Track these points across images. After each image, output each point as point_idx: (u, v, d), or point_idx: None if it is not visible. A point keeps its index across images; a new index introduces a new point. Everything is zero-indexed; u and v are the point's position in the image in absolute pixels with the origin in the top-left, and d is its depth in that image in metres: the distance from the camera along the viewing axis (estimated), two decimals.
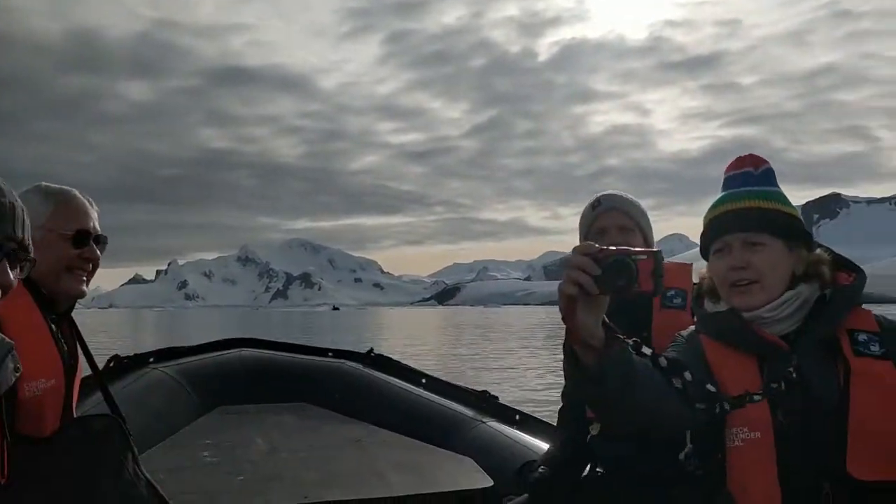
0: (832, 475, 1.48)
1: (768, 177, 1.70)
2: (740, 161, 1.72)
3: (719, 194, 1.72)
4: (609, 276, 1.32)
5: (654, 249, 1.33)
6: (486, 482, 2.86)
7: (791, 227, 1.65)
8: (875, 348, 1.54)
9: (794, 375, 1.53)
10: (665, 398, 1.50)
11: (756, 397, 1.52)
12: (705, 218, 1.72)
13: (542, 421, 3.53)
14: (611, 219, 2.29)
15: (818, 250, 1.68)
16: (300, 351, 4.09)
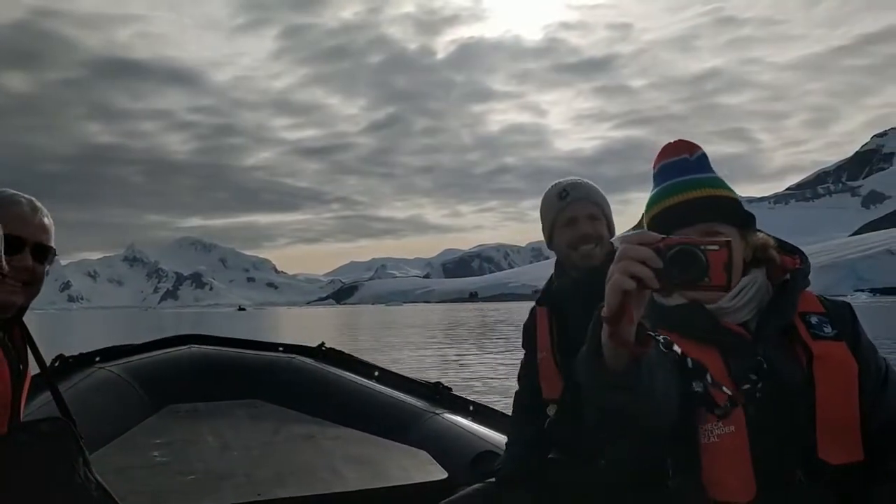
0: (804, 461, 1.47)
1: (705, 162, 1.65)
2: (674, 148, 1.66)
3: (657, 184, 1.64)
4: (674, 269, 1.16)
5: (727, 239, 1.18)
6: (441, 474, 2.87)
7: (741, 213, 1.61)
8: (828, 330, 1.55)
9: (765, 365, 1.51)
10: (672, 399, 1.43)
11: (745, 387, 1.48)
12: (651, 210, 1.63)
13: (496, 411, 3.53)
14: (580, 207, 2.28)
15: (759, 234, 1.65)
16: (250, 346, 4.00)
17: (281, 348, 3.99)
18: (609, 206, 2.36)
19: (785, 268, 1.61)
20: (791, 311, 1.55)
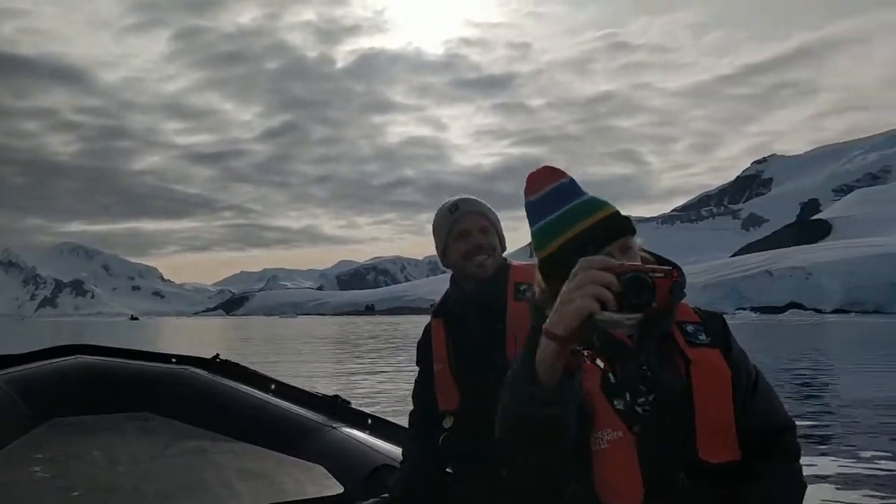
0: (686, 463, 1.53)
1: (577, 185, 1.68)
2: (547, 175, 1.67)
3: (544, 213, 1.64)
4: (630, 294, 1.28)
5: (669, 268, 1.31)
6: (337, 489, 2.83)
7: (632, 224, 1.64)
8: (703, 337, 1.62)
9: (649, 373, 1.56)
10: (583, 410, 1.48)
11: (639, 401, 1.53)
12: (555, 238, 1.61)
13: (395, 424, 3.48)
14: (472, 220, 2.37)
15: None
16: (141, 357, 3.86)
17: (174, 360, 3.85)
18: (498, 220, 2.44)
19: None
20: (669, 320, 1.60)
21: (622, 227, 1.61)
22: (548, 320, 1.31)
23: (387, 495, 2.47)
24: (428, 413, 2.43)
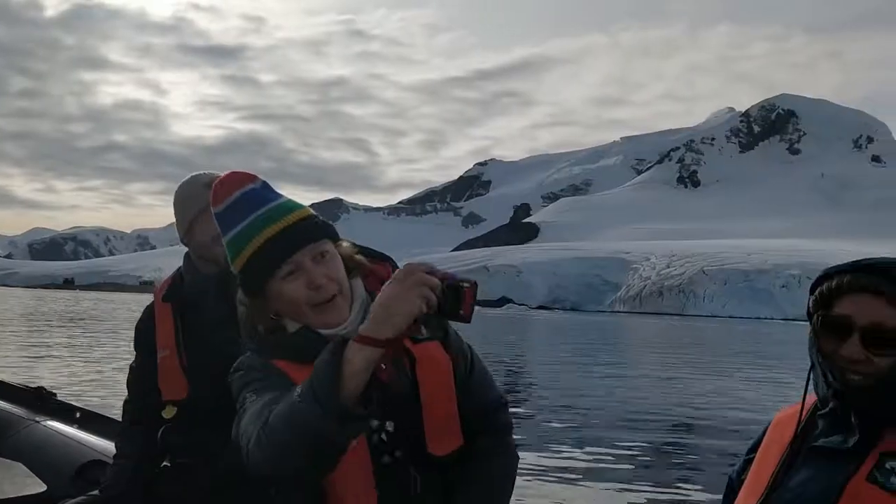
0: (417, 458, 1.57)
1: (269, 187, 1.59)
2: (237, 180, 1.56)
3: (237, 218, 1.53)
4: (445, 300, 1.31)
5: (474, 280, 1.35)
6: (39, 487, 2.64)
7: (330, 227, 1.59)
8: (423, 332, 1.61)
9: (374, 376, 1.50)
10: None
11: (369, 422, 1.48)
12: (250, 244, 1.51)
13: (107, 417, 3.29)
14: None
15: (342, 242, 1.63)
16: None
17: None
18: None
19: (378, 276, 1.62)
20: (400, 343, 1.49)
21: (314, 232, 1.53)
22: (366, 325, 1.26)
23: (96, 492, 2.33)
24: (146, 403, 2.30)
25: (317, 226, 1.55)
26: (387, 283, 1.31)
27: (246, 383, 1.48)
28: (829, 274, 1.44)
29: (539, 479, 7.96)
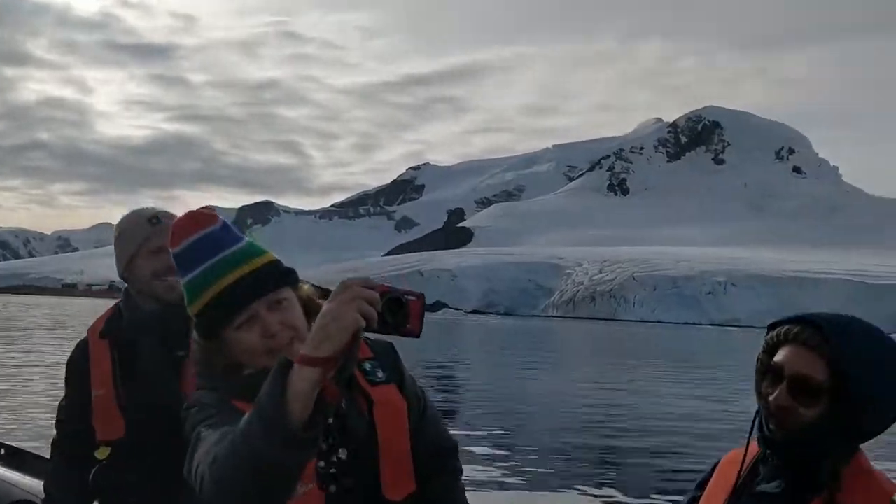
0: (370, 501, 1.55)
1: (231, 229, 1.55)
2: (195, 221, 1.52)
3: (195, 262, 1.49)
4: (387, 314, 1.26)
5: (420, 292, 1.31)
6: None
7: (291, 273, 1.57)
8: (380, 375, 1.62)
9: (332, 420, 1.53)
10: None
11: (332, 459, 1.51)
12: (207, 290, 1.48)
13: (36, 455, 3.18)
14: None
15: (302, 285, 1.61)
16: None
17: None
18: None
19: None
20: (353, 361, 1.39)
21: (272, 280, 1.51)
22: (306, 344, 1.20)
23: None
24: (78, 441, 2.21)
25: (276, 273, 1.53)
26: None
27: (200, 420, 1.44)
28: (776, 324, 1.55)
29: (475, 492, 7.96)
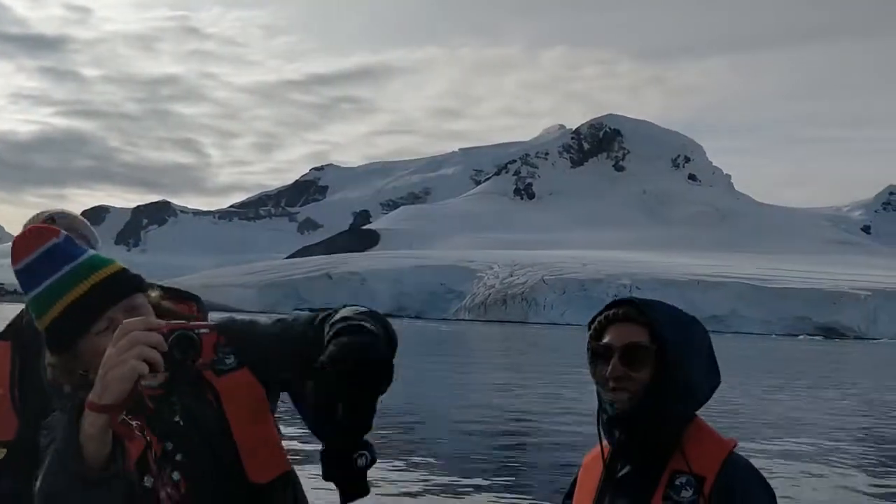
0: (240, 490, 1.56)
1: (73, 241, 1.54)
2: (36, 237, 1.50)
3: (41, 276, 1.48)
4: (176, 352, 1.27)
5: (215, 323, 1.35)
6: None
7: (141, 280, 1.59)
8: (229, 361, 1.60)
9: (178, 418, 1.54)
10: None
11: (170, 470, 1.52)
12: (55, 304, 1.47)
13: None
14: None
15: (151, 291, 1.62)
16: None
17: None
18: (98, 240, 2.37)
19: (184, 316, 1.60)
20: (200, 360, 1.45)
21: (125, 286, 1.52)
22: (92, 392, 1.23)
23: None
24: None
25: (127, 280, 1.53)
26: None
27: (47, 444, 1.42)
28: (595, 317, 1.80)
29: (377, 496, 7.92)
